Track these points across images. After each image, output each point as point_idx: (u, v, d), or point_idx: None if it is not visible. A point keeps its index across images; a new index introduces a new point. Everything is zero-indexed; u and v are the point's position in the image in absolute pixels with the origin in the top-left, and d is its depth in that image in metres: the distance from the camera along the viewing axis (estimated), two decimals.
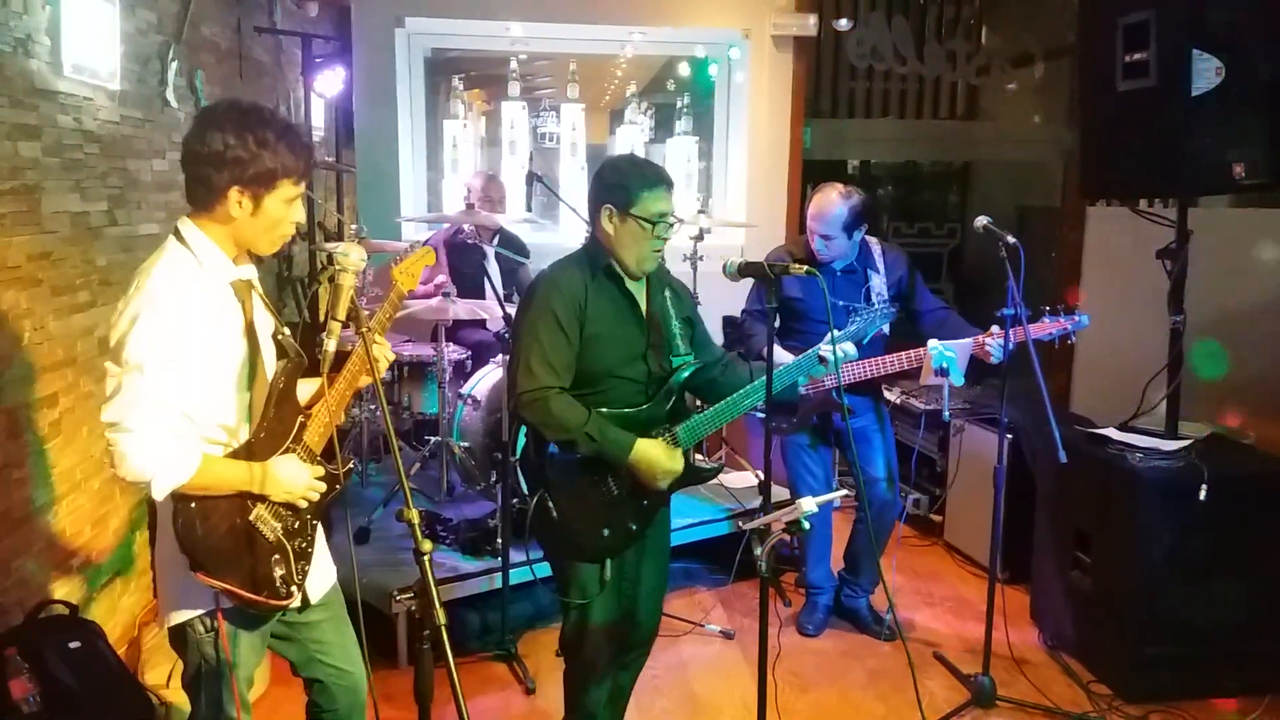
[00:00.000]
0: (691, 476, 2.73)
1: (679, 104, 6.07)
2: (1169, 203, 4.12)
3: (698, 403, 2.92)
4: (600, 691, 2.82)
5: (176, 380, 2.00)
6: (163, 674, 3.23)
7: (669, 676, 2.88)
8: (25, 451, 3.11)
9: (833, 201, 3.70)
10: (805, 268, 2.54)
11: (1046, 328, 3.45)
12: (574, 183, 5.97)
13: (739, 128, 6.01)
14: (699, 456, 2.79)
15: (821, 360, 2.83)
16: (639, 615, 2.86)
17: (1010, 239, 3.31)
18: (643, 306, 2.72)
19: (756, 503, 2.73)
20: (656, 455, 2.63)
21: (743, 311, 3.99)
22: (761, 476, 2.60)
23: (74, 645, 2.91)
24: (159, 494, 1.99)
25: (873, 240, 3.91)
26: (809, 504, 2.27)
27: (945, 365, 3.19)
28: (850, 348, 2.89)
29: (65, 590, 3.27)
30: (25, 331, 3.09)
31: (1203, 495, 3.42)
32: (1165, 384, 3.75)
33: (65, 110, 3.32)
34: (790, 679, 3.70)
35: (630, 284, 2.70)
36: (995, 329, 3.40)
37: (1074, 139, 4.52)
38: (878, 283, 3.82)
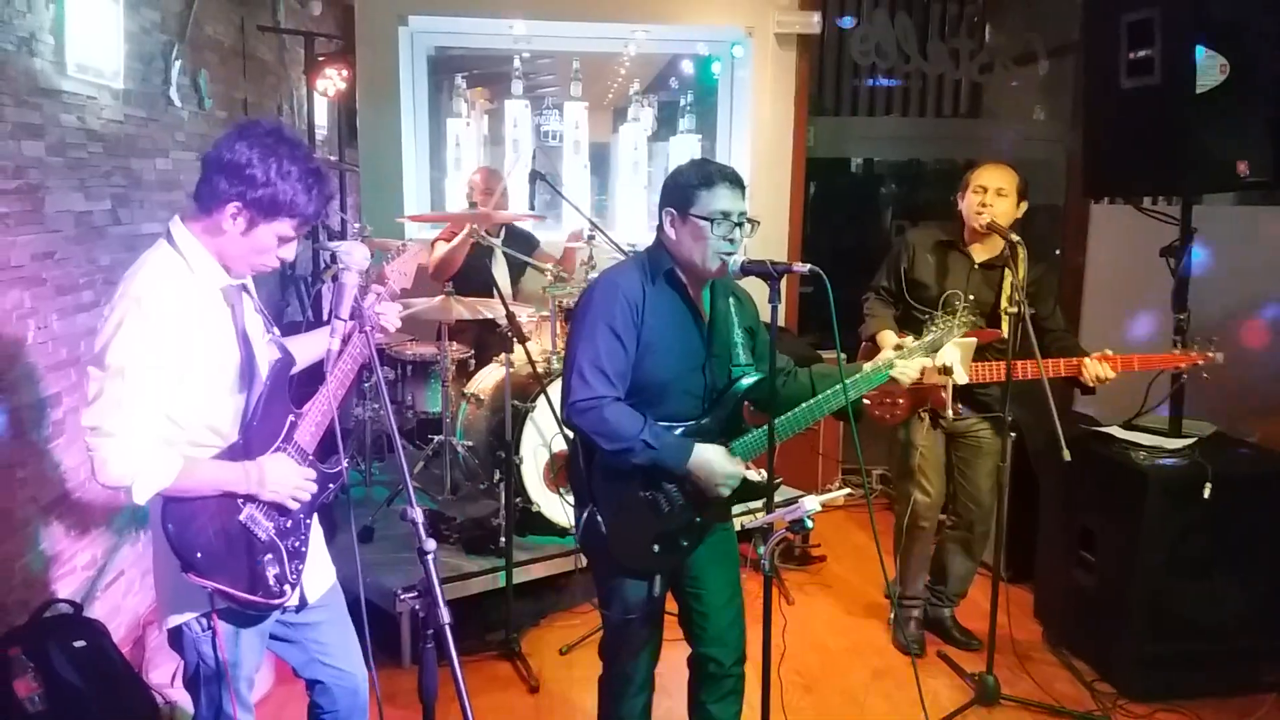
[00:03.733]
0: (748, 492, 2.60)
1: (682, 102, 6.07)
2: (1173, 200, 4.11)
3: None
4: (636, 702, 2.75)
5: (158, 385, 2.00)
6: (167, 673, 3.24)
7: (673, 675, 2.88)
8: (29, 451, 3.11)
9: (1004, 164, 3.67)
10: (809, 266, 2.42)
11: (1175, 360, 3.47)
12: (577, 181, 5.97)
13: (742, 126, 6.00)
14: (747, 471, 2.62)
15: (893, 379, 2.68)
16: (719, 633, 2.69)
17: (1013, 237, 3.31)
18: (705, 315, 2.61)
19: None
20: (715, 458, 2.49)
21: (869, 287, 3.87)
22: (765, 474, 2.57)
23: (79, 644, 2.91)
24: (139, 499, 1.99)
25: (1022, 244, 3.52)
26: (812, 503, 2.27)
27: (949, 364, 3.18)
28: (925, 361, 2.72)
29: (70, 589, 3.27)
30: (29, 331, 3.09)
31: (1206, 493, 3.42)
32: (1169, 382, 3.74)
33: (69, 109, 3.32)
34: (794, 678, 3.70)
35: (692, 291, 2.58)
36: (1106, 356, 3.41)
37: (1078, 137, 4.51)
38: (1009, 282, 3.49)
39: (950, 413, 3.62)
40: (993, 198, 3.56)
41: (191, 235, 2.11)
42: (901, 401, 3.68)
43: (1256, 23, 3.47)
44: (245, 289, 2.25)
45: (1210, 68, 3.43)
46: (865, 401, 3.61)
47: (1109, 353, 3.42)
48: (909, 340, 2.74)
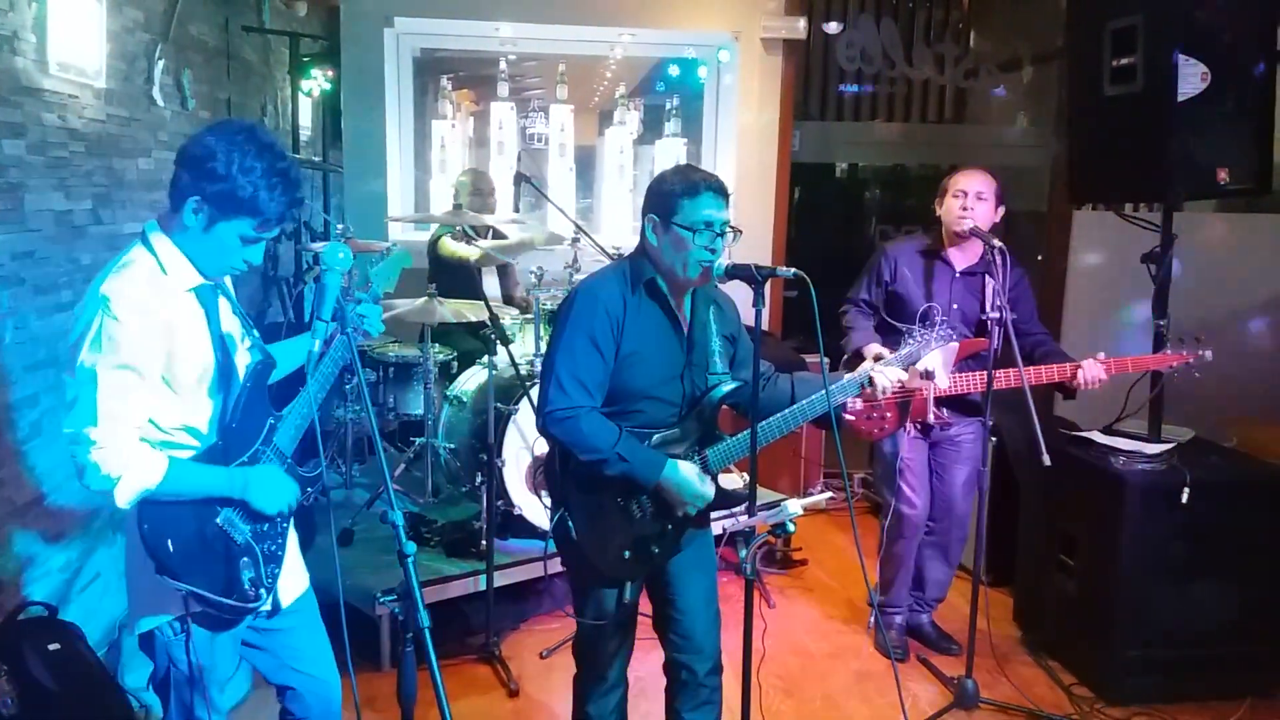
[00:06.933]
0: (721, 501, 2.62)
1: (668, 106, 6.07)
2: (1154, 207, 4.14)
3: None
4: (608, 700, 2.77)
5: (134, 387, 1.98)
6: (143, 676, 3.20)
7: (653, 680, 2.87)
8: (6, 452, 3.09)
9: (983, 168, 3.65)
10: (794, 270, 2.42)
11: (1168, 359, 3.47)
12: (562, 184, 5.97)
13: (728, 130, 6.01)
14: (727, 475, 2.63)
15: (870, 383, 2.69)
16: (694, 640, 2.68)
17: (996, 242, 3.32)
18: (685, 324, 2.60)
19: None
20: (687, 478, 2.51)
21: (846, 299, 3.83)
22: (747, 478, 2.57)
23: (53, 647, 2.89)
24: (122, 502, 1.98)
25: (1005, 250, 3.56)
26: (794, 506, 2.27)
27: (930, 368, 3.19)
28: (900, 372, 2.73)
29: (45, 592, 3.24)
30: (7, 331, 3.07)
31: (1185, 498, 3.44)
32: (1149, 387, 3.76)
33: (50, 108, 3.30)
34: (774, 682, 3.70)
35: (673, 300, 2.57)
36: (1099, 359, 3.41)
37: (1061, 143, 4.53)
38: (991, 288, 3.55)
39: (932, 418, 3.61)
40: (973, 201, 3.56)
41: (165, 235, 2.09)
42: (889, 415, 3.68)
43: (1238, 31, 3.50)
44: (221, 290, 2.23)
45: (1192, 75, 3.46)
46: (850, 417, 3.60)
47: (1102, 356, 3.44)
48: (887, 354, 2.75)
